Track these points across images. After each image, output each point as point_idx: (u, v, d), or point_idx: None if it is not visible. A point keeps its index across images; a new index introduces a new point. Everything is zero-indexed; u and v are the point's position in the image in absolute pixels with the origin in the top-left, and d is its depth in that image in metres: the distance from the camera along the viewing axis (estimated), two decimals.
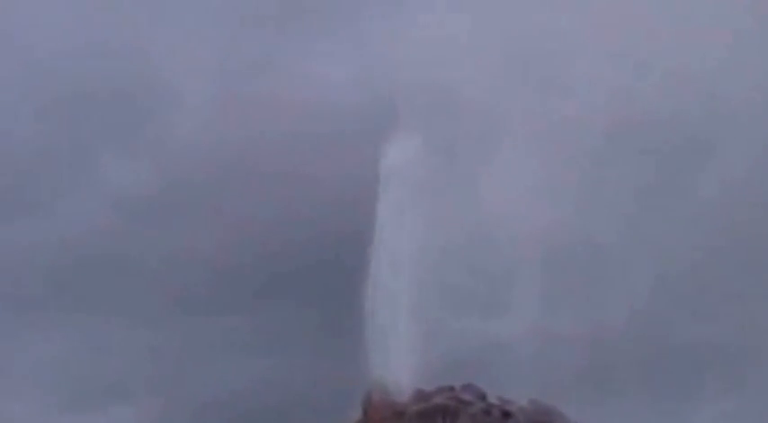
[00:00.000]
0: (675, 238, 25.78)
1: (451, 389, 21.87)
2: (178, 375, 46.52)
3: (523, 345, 22.84)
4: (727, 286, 26.11)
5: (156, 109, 47.72)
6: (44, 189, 50.64)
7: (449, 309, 23.13)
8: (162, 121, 47.33)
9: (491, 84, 25.29)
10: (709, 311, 26.04)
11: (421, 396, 21.67)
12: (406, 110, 24.17)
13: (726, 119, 26.62)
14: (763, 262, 26.59)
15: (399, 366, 22.02)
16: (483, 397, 21.82)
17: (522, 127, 25.25)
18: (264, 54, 44.73)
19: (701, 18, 26.85)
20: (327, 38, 41.28)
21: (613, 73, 26.38)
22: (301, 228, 40.81)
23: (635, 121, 26.04)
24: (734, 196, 26.04)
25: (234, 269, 44.98)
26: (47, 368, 47.95)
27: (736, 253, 26.21)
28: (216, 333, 46.47)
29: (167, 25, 45.74)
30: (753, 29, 27.37)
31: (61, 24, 47.20)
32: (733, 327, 25.82)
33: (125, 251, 47.78)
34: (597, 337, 24.20)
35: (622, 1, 26.90)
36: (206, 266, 46.90)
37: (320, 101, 40.63)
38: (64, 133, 49.13)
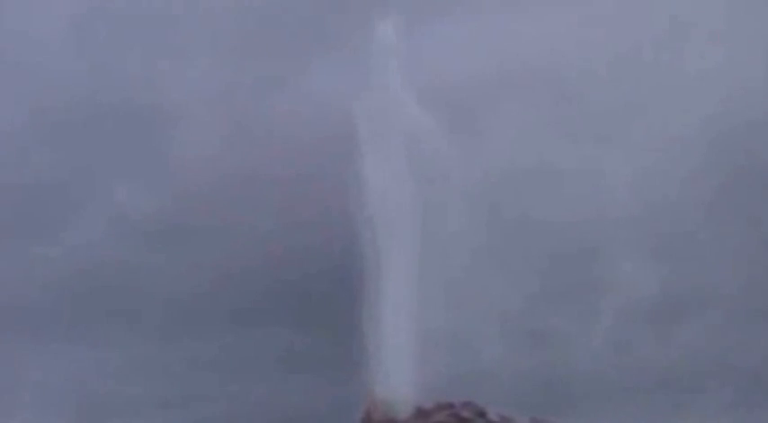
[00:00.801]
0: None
1: (451, 406, 21.67)
2: (184, 393, 46.47)
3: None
4: None
5: (160, 126, 47.89)
6: (51, 209, 50.81)
7: (452, 324, 22.97)
8: (165, 139, 47.45)
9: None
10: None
11: (420, 413, 21.50)
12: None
13: None
14: None
15: (399, 383, 21.84)
16: (482, 414, 21.61)
17: None
18: (269, 71, 44.81)
19: None
20: (332, 55, 41.30)
21: None
22: (303, 246, 40.71)
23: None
24: None
25: (239, 285, 44.94)
26: (54, 385, 47.96)
27: None
28: (221, 350, 46.41)
29: (172, 46, 45.92)
30: None
31: (67, 47, 47.49)
32: None
33: (132, 269, 47.84)
34: None
35: None
36: (211, 283, 46.87)
37: (325, 116, 40.67)
38: (70, 154, 49.38)
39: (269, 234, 43.10)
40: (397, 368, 22.04)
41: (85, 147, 47.77)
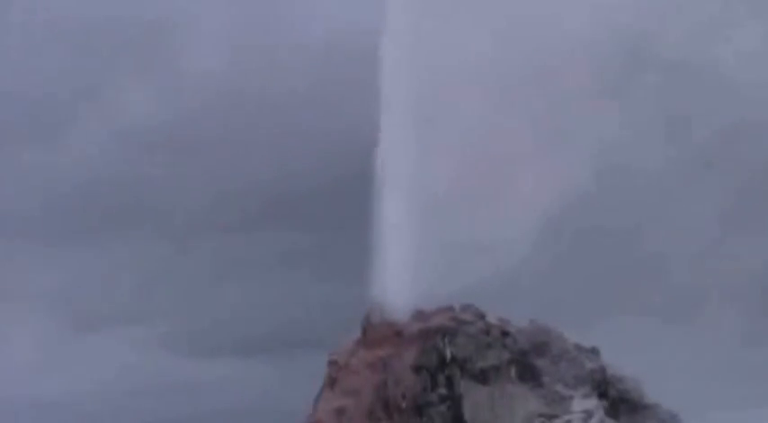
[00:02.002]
0: None
1: (450, 309, 21.77)
2: (186, 298, 47.00)
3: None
4: None
5: (168, 40, 47.53)
6: (58, 115, 50.80)
7: (452, 232, 22.86)
8: (172, 51, 47.13)
9: None
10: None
11: (420, 316, 21.61)
12: None
13: None
14: None
15: (399, 287, 21.89)
16: (482, 317, 21.70)
17: None
18: None
19: None
20: None
21: None
22: (308, 153, 40.73)
23: None
24: None
25: (240, 193, 45.09)
26: (59, 290, 48.51)
27: None
28: (225, 256, 46.81)
29: None
30: None
31: None
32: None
33: (134, 176, 47.98)
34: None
35: None
36: (213, 191, 46.96)
37: (329, 24, 40.30)
38: (77, 62, 49.10)
39: (276, 141, 43.04)
40: (397, 273, 22.10)
41: (93, 56, 47.56)
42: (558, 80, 23.55)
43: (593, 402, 20.04)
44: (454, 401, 20.08)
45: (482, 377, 20.69)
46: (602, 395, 20.62)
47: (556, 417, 19.69)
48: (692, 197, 24.22)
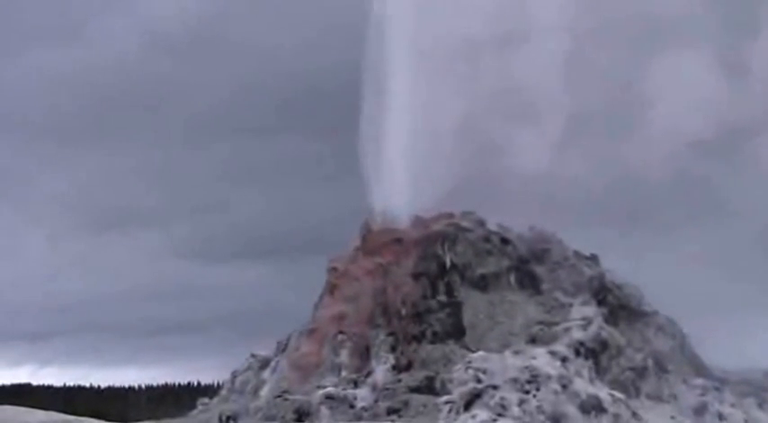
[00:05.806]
0: None
1: (450, 216, 21.69)
2: (192, 202, 47.15)
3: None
4: None
5: None
6: (74, 16, 50.15)
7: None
8: None
9: None
10: None
11: (420, 223, 21.56)
12: None
13: None
14: None
15: (399, 194, 21.72)
16: (482, 224, 21.67)
17: None
18: None
19: None
20: None
21: None
22: (315, 59, 40.14)
23: None
24: None
25: (251, 98, 44.79)
26: (74, 192, 48.63)
27: None
28: (236, 161, 46.79)
29: None
30: None
31: None
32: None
33: (150, 79, 47.70)
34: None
35: None
36: (225, 96, 46.61)
37: None
38: None
39: (284, 47, 42.40)
40: (397, 180, 21.90)
41: None
42: None
43: (592, 309, 20.07)
44: (454, 308, 20.14)
45: (482, 284, 20.74)
46: (601, 302, 20.64)
47: (555, 324, 19.71)
48: None
